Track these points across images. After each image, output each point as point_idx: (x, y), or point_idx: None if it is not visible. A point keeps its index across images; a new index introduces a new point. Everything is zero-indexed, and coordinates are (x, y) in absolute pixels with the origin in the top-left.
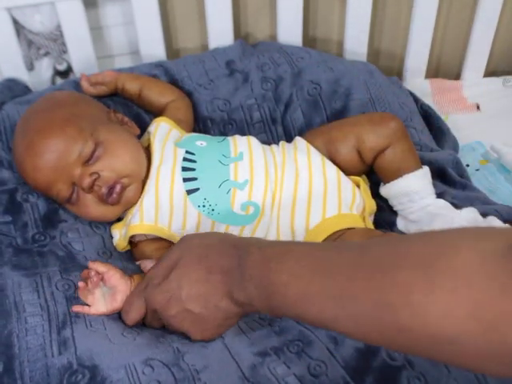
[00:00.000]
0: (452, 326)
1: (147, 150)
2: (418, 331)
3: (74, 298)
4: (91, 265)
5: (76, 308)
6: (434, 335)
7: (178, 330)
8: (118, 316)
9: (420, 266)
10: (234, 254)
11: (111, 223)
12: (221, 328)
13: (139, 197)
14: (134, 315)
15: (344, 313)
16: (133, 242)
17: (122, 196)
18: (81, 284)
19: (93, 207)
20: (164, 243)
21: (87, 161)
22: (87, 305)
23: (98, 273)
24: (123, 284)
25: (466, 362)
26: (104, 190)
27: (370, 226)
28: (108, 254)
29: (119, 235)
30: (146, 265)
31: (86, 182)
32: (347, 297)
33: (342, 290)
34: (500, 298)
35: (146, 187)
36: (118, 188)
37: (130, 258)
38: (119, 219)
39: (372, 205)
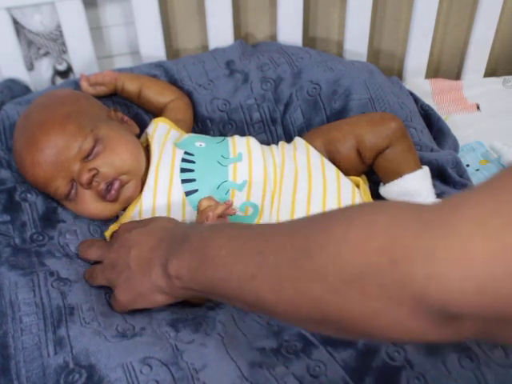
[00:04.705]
0: (362, 258)
1: (146, 151)
2: (332, 276)
3: (69, 292)
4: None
5: None
6: (346, 275)
7: (110, 282)
8: (110, 311)
9: (340, 213)
10: (185, 231)
11: (109, 222)
12: (141, 299)
13: (137, 194)
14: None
15: (263, 267)
16: None
17: (120, 193)
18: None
19: (91, 204)
20: None
21: (86, 157)
22: None
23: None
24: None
25: (370, 304)
26: (102, 186)
27: None
28: None
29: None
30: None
31: (85, 177)
32: (268, 252)
33: (264, 247)
34: (414, 235)
35: (145, 187)
36: (116, 184)
37: None
38: (116, 217)
39: None
